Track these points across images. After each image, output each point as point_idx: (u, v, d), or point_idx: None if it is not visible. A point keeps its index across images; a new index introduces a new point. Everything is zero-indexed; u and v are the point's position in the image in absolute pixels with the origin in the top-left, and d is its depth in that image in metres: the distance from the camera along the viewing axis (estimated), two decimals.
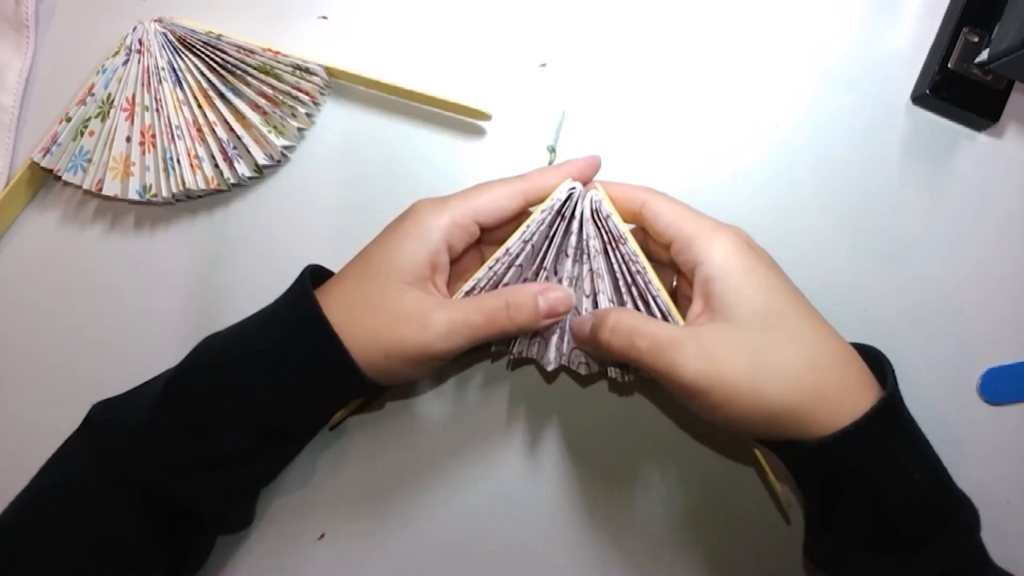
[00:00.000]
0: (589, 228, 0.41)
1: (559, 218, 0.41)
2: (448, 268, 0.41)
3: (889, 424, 0.37)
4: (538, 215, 0.41)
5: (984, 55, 0.48)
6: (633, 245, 0.40)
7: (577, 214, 0.41)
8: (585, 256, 0.42)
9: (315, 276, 0.41)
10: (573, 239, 0.42)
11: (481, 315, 0.39)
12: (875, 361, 0.40)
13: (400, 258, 0.39)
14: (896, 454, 0.37)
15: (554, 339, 0.43)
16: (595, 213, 0.41)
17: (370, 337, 0.38)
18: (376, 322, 0.38)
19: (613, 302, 0.41)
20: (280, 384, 0.38)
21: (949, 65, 0.49)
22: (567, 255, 0.42)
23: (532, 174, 0.42)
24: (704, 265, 0.38)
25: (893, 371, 0.39)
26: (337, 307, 0.39)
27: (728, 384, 0.36)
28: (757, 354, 0.36)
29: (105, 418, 0.40)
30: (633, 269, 0.40)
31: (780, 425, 0.37)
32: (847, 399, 0.37)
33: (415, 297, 0.39)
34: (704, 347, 0.36)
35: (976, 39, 0.49)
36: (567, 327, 0.43)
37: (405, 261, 0.39)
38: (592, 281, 0.42)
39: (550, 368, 0.43)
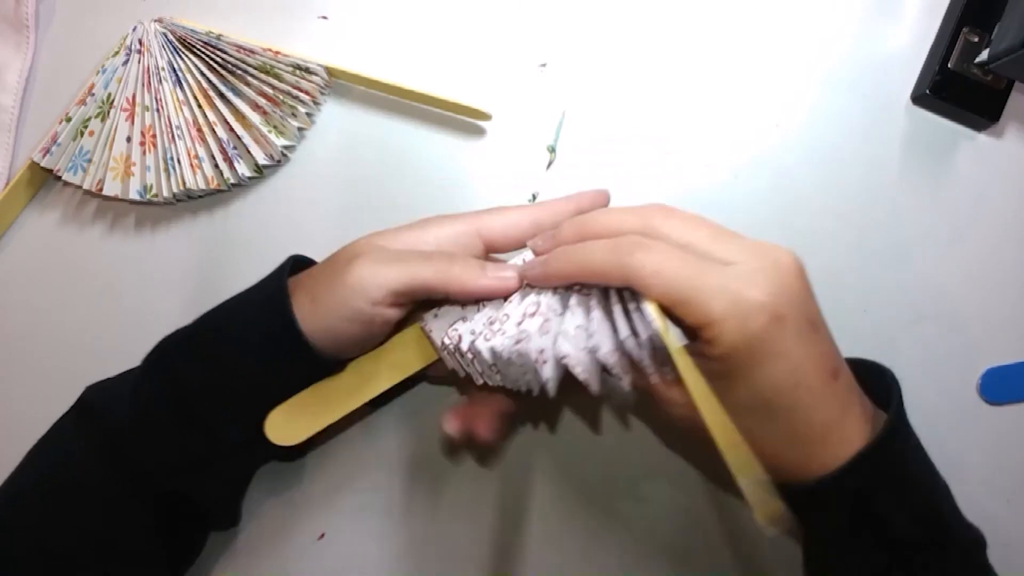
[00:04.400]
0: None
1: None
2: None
3: (890, 455, 0.35)
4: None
5: (984, 55, 0.48)
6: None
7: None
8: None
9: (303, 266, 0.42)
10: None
11: (419, 257, 0.37)
12: (881, 380, 0.38)
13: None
14: (898, 481, 0.35)
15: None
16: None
17: (304, 289, 0.38)
18: (312, 281, 0.38)
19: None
20: (242, 361, 0.38)
21: (949, 65, 0.49)
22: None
23: (546, 205, 0.41)
24: (711, 344, 0.33)
25: (900, 397, 0.36)
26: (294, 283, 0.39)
27: None
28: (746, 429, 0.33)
29: (99, 406, 0.39)
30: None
31: (772, 474, 0.33)
32: (843, 436, 0.34)
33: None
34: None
35: (976, 39, 0.49)
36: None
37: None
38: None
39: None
